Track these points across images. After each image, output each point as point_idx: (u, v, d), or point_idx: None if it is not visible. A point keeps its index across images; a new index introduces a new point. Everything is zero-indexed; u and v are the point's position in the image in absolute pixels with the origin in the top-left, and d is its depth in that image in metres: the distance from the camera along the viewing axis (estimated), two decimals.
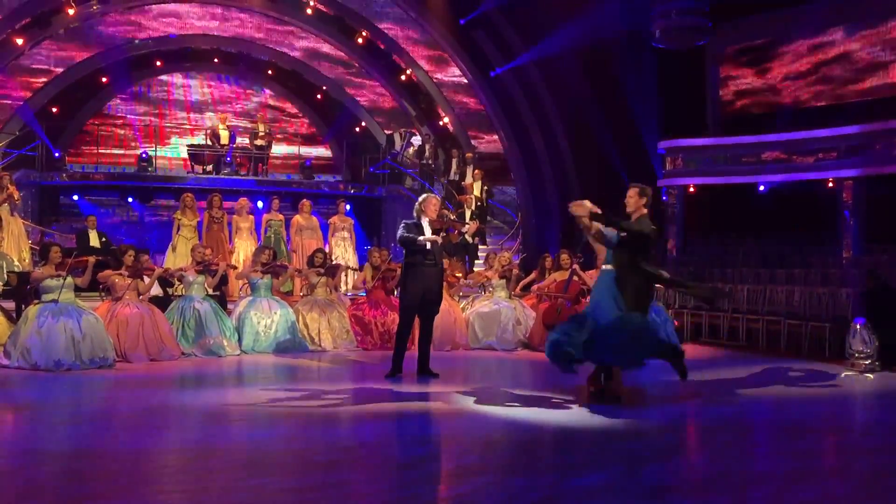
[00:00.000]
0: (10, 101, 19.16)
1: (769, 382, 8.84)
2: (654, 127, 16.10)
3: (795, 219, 15.17)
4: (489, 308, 11.17)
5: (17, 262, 12.52)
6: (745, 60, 16.92)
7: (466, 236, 8.26)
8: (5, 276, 11.74)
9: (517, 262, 12.66)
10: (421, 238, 8.04)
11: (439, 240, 8.09)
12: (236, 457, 4.96)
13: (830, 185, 14.39)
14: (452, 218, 8.45)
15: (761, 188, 15.28)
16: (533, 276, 12.03)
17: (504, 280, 11.45)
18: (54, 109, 19.74)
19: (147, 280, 9.88)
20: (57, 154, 18.55)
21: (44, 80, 19.51)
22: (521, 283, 11.91)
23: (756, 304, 12.21)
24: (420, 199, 8.37)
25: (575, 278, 11.06)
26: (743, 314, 12.17)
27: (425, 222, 8.13)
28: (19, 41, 17.40)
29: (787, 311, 11.64)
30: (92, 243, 13.22)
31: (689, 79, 16.75)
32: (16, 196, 13.30)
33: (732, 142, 15.57)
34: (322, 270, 11.02)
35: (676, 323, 11.45)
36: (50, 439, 5.31)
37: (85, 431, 5.42)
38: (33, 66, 19.34)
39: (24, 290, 10.62)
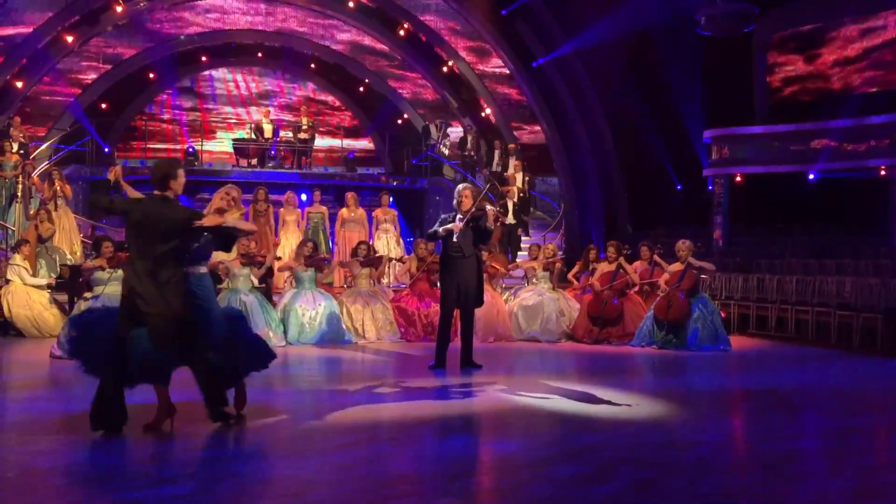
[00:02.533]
0: (61, 98, 19.58)
1: (819, 374, 8.69)
2: (700, 116, 15.85)
3: (846, 208, 14.84)
4: (532, 300, 11.14)
5: (69, 256, 12.83)
6: (794, 46, 16.57)
7: (489, 224, 8.14)
8: (58, 269, 12.04)
9: (561, 255, 12.60)
10: (440, 229, 8.13)
11: (457, 227, 7.98)
12: (282, 446, 5.02)
13: (883, 173, 14.04)
14: (482, 208, 8.33)
15: (811, 177, 14.97)
16: (577, 266, 11.98)
17: (548, 272, 11.41)
18: (103, 105, 20.13)
19: None
20: (106, 149, 18.93)
21: (93, 76, 19.90)
22: (570, 274, 11.87)
23: (805, 296, 11.99)
24: (456, 191, 8.36)
25: (621, 271, 10.99)
26: (792, 305, 11.96)
27: (460, 216, 8.13)
28: (69, 39, 17.76)
29: (838, 302, 11.40)
30: None
31: (735, 66, 16.45)
32: (66, 191, 13.64)
33: (781, 130, 15.26)
34: (364, 260, 11.09)
35: (723, 314, 11.30)
36: None
37: (136, 422, 5.53)
38: (83, 64, 19.74)
39: (76, 282, 10.91)
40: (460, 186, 8.39)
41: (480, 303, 8.37)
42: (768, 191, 15.80)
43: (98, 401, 5.13)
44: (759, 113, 16.62)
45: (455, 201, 8.25)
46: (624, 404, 6.38)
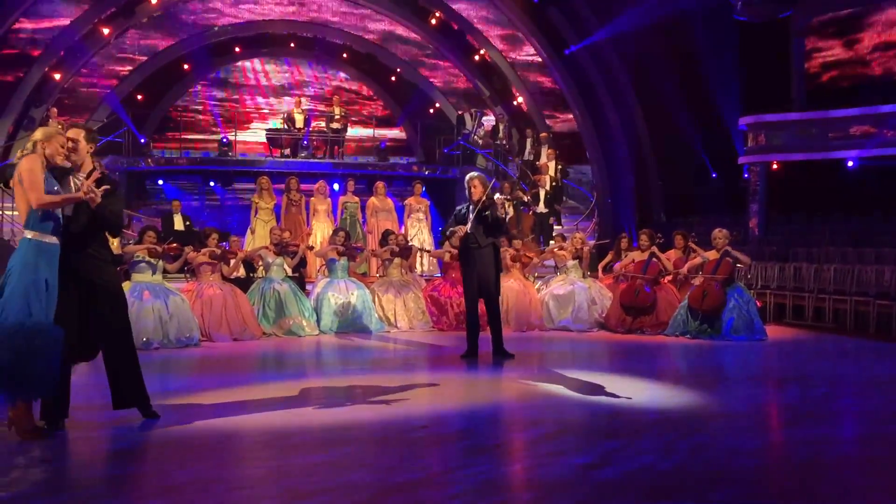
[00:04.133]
0: (97, 90, 19.87)
1: (857, 365, 8.56)
2: (735, 102, 15.64)
3: (886, 195, 14.56)
4: (563, 288, 11.10)
5: None
6: (832, 31, 16.26)
7: (499, 213, 8.09)
8: None
9: (592, 242, 12.53)
10: (450, 233, 8.21)
11: (462, 230, 8.01)
12: (315, 433, 5.07)
13: None
14: (493, 197, 8.27)
15: (850, 164, 14.71)
16: (609, 256, 11.91)
17: (577, 260, 11.35)
18: (139, 97, 20.38)
19: (231, 262, 10.18)
20: (143, 140, 19.17)
21: (129, 68, 20.16)
22: (601, 265, 11.80)
23: (843, 285, 11.80)
24: (465, 181, 8.31)
25: (654, 259, 10.90)
26: (830, 295, 11.78)
27: (472, 206, 8.11)
28: (105, 31, 18.00)
29: (877, 291, 11.20)
30: (176, 227, 13.64)
31: (772, 52, 16.19)
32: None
33: (819, 116, 15.01)
34: (396, 249, 11.12)
35: (759, 303, 11.16)
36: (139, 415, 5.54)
37: (172, 410, 5.61)
38: (119, 55, 19.99)
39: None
40: (468, 176, 8.35)
41: (498, 291, 8.35)
42: (806, 178, 15.56)
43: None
44: (797, 99, 16.35)
45: (466, 191, 8.23)
46: (654, 389, 6.33)
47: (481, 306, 8.40)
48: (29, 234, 4.73)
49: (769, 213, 15.49)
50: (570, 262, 11.37)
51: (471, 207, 8.10)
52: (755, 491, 4.03)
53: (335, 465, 4.33)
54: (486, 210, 8.00)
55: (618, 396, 6.26)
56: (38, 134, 4.90)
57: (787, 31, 16.26)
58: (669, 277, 11.13)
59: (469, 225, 8.02)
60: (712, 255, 10.33)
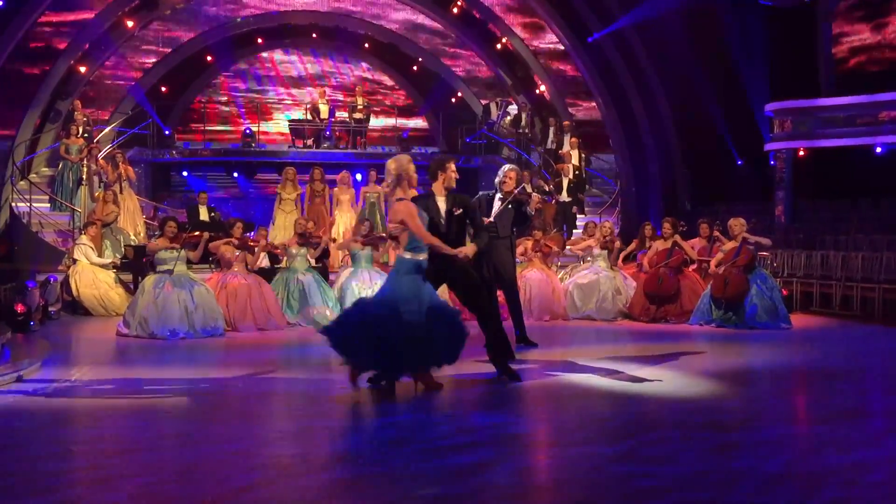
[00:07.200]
0: (122, 82, 20.01)
1: (886, 353, 8.46)
2: (762, 89, 15.44)
3: None
4: (588, 278, 11.05)
5: (132, 237, 13.18)
6: (860, 15, 16.00)
7: (529, 209, 8.03)
8: (122, 249, 12.38)
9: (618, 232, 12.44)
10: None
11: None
12: (337, 417, 5.10)
13: None
14: (528, 191, 8.24)
15: (878, 150, 14.49)
16: (633, 245, 11.83)
17: (605, 251, 11.27)
18: (164, 89, 20.51)
19: (255, 251, 10.26)
20: (167, 132, 19.31)
21: (153, 60, 20.28)
22: (623, 254, 11.72)
23: (871, 273, 11.65)
24: (500, 171, 8.26)
25: (677, 248, 10.82)
26: (857, 282, 11.64)
27: (500, 195, 8.05)
28: (129, 24, 18.13)
29: None
30: (202, 218, 13.75)
31: (798, 37, 15.96)
32: (130, 173, 13.98)
33: (847, 102, 14.78)
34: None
35: (785, 292, 11.05)
36: (168, 398, 5.60)
37: (197, 409, 5.67)
38: (143, 48, 20.12)
39: (140, 262, 11.20)
40: (505, 167, 8.28)
41: (513, 280, 8.29)
42: (833, 165, 15.36)
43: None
44: (824, 85, 16.11)
45: (498, 180, 8.18)
46: (678, 382, 6.29)
47: (500, 296, 8.37)
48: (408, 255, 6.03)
49: (796, 200, 15.32)
50: (597, 251, 11.29)
51: (498, 197, 8.06)
52: (774, 489, 3.99)
53: (352, 450, 4.35)
54: (521, 204, 7.95)
55: (641, 385, 6.22)
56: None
57: (813, 16, 16.01)
58: (694, 266, 11.04)
59: (493, 215, 7.99)
60: (732, 244, 10.24)
